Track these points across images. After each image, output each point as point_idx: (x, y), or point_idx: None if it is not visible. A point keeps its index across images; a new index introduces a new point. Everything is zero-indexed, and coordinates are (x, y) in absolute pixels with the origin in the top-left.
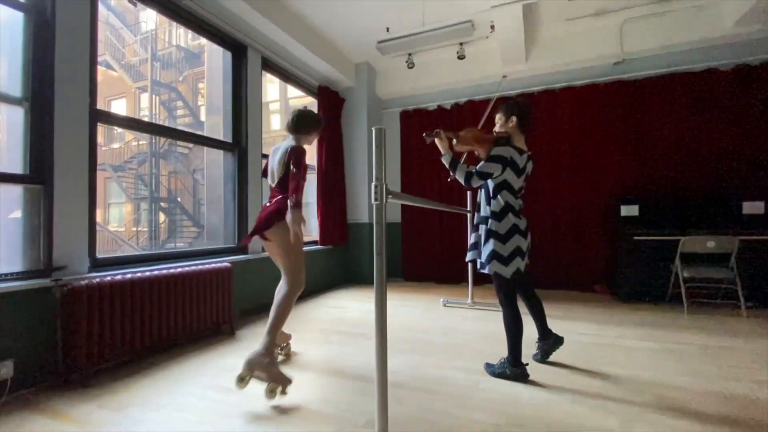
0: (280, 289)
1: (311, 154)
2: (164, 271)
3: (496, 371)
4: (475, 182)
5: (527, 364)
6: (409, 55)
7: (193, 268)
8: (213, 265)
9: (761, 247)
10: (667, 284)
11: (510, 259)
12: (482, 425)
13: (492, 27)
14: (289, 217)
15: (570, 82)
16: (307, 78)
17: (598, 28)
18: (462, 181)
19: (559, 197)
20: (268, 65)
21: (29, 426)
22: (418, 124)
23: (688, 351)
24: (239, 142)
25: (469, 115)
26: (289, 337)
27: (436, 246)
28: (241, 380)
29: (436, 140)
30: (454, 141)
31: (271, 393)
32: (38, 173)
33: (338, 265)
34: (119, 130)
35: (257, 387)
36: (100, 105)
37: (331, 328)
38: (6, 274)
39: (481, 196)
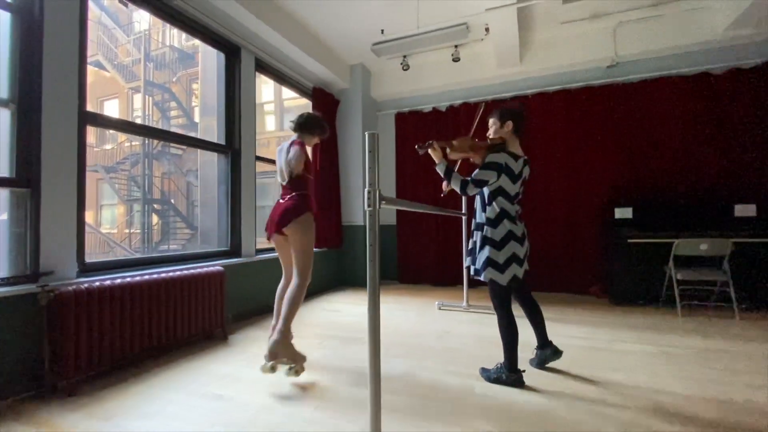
0: (287, 287)
1: None
2: (155, 276)
3: (491, 376)
4: (471, 190)
5: (524, 371)
6: (404, 57)
7: (185, 272)
8: (205, 269)
9: (753, 249)
10: (660, 287)
11: (506, 266)
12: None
13: (487, 29)
14: (304, 217)
15: (564, 84)
16: (302, 79)
17: (592, 32)
18: (458, 189)
19: (553, 200)
20: (262, 66)
21: None
22: (413, 126)
23: (682, 354)
24: (232, 144)
25: (464, 117)
26: (304, 359)
27: (432, 248)
28: (272, 369)
29: (429, 150)
30: (448, 150)
31: (295, 373)
32: (25, 176)
33: (333, 267)
34: (111, 131)
35: (249, 395)
36: (92, 106)
37: (326, 332)
38: None
39: (478, 202)
